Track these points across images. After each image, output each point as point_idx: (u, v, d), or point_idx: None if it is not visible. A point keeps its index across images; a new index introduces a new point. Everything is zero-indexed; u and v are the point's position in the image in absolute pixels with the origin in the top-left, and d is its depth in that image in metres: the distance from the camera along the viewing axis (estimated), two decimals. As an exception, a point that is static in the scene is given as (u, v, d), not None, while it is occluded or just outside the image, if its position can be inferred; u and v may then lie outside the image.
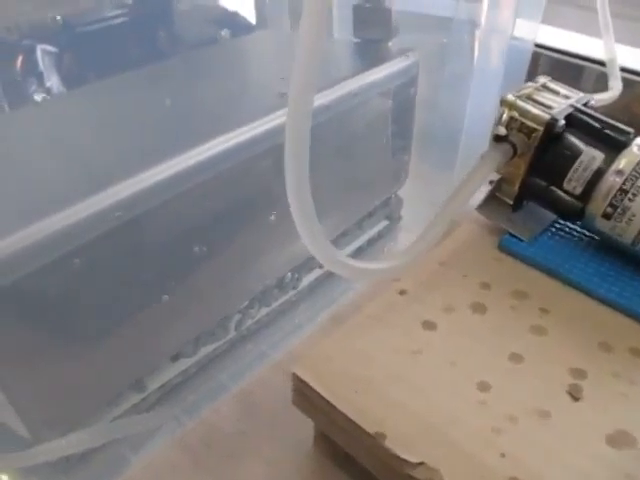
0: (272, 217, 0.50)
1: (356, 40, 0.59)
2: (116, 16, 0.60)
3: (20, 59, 0.54)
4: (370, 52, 0.55)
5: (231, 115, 0.48)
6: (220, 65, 0.59)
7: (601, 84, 0.63)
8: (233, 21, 0.69)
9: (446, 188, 0.75)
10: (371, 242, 0.66)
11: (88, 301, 0.41)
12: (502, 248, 0.48)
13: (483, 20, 0.61)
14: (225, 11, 0.70)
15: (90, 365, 0.43)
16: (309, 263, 0.59)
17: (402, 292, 0.43)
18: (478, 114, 0.66)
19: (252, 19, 0.72)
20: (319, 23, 0.26)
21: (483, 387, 0.36)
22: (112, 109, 0.50)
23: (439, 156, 0.70)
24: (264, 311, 0.56)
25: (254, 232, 0.51)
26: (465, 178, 0.43)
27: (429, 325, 0.40)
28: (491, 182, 0.50)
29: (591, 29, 0.80)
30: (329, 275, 0.62)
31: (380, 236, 0.67)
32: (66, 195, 0.39)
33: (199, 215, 0.44)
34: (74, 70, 0.57)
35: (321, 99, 0.49)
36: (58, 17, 0.56)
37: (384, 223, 0.67)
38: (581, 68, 0.81)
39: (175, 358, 0.50)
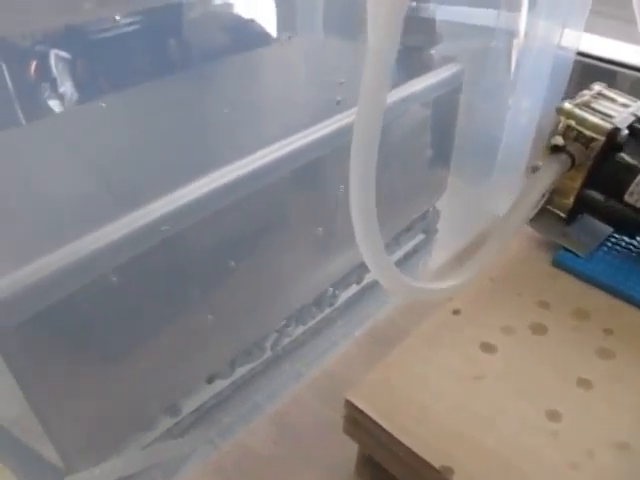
0: (319, 230, 0.48)
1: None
2: (138, 22, 0.58)
3: (34, 65, 0.53)
4: (413, 60, 0.53)
5: (274, 125, 0.46)
6: (260, 73, 0.57)
7: (636, 90, 0.61)
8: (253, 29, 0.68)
9: (482, 200, 0.74)
10: (407, 256, 0.63)
11: (123, 323, 0.39)
12: (556, 264, 0.45)
13: (523, 29, 0.59)
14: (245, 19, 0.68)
15: (125, 390, 0.41)
16: (347, 279, 0.56)
17: (456, 312, 0.41)
18: (517, 125, 0.64)
19: (275, 26, 0.70)
20: (394, 24, 0.24)
21: (553, 416, 0.34)
22: (146, 119, 0.48)
23: (475, 167, 0.68)
24: (301, 329, 0.54)
25: (296, 248, 0.48)
26: (523, 191, 0.41)
27: (488, 348, 0.38)
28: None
29: (620, 36, 0.78)
30: (365, 291, 0.60)
31: (415, 250, 0.64)
32: (104, 211, 0.37)
33: (239, 231, 0.42)
34: (88, 77, 0.56)
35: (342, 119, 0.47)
36: (72, 23, 0.54)
37: (420, 237, 0.64)
38: (614, 74, 0.79)
39: (210, 380, 0.48)
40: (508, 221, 0.40)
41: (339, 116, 0.45)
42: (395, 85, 0.49)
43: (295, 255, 0.48)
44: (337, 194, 0.46)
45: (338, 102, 0.46)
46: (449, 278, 0.36)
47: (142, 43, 0.59)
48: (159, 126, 0.47)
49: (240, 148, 0.43)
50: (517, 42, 0.60)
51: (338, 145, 0.44)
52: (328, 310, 0.56)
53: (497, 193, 0.70)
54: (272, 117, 0.50)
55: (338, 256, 0.52)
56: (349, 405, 0.35)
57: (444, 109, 0.54)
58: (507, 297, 0.42)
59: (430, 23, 0.53)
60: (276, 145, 0.43)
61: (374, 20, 0.24)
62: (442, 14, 0.55)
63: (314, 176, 0.45)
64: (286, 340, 0.53)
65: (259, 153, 0.41)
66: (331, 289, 0.55)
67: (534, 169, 0.44)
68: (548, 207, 0.47)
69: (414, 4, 0.53)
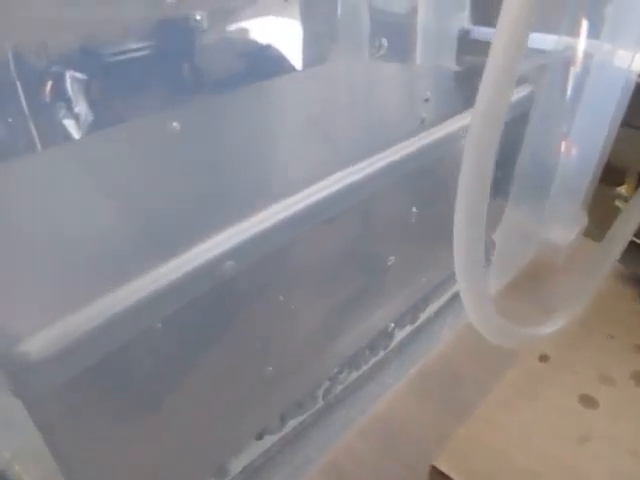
0: (390, 261, 0.43)
1: (457, 68, 0.53)
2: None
3: (49, 85, 0.50)
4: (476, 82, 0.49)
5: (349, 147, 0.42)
6: (337, 90, 0.54)
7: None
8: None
9: (537, 230, 0.69)
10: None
11: (168, 376, 0.34)
12: (648, 301, 0.41)
13: (586, 52, 0.55)
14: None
15: (169, 452, 0.36)
16: (403, 319, 0.52)
17: (543, 358, 0.36)
18: (577, 152, 0.60)
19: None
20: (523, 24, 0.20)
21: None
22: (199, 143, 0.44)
23: (530, 195, 0.63)
24: (354, 375, 0.49)
25: (357, 285, 0.44)
26: (619, 223, 0.36)
27: (589, 401, 0.33)
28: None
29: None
30: (419, 330, 0.55)
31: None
32: (140, 253, 0.33)
33: (300, 268, 0.38)
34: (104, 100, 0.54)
35: (426, 137, 0.43)
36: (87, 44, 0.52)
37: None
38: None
39: (260, 436, 0.43)
40: (606, 259, 0.35)
41: (424, 134, 0.42)
42: (458, 110, 0.45)
43: (356, 294, 0.44)
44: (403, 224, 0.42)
45: (422, 120, 0.43)
46: (552, 321, 0.32)
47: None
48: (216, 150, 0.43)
49: (309, 172, 0.39)
50: (579, 66, 0.56)
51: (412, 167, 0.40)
52: (382, 353, 0.51)
53: (553, 222, 0.66)
54: (348, 138, 0.46)
55: (396, 293, 0.48)
56: (436, 473, 0.30)
57: (510, 133, 0.50)
58: (599, 341, 0.38)
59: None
60: (343, 172, 0.39)
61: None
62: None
63: (383, 203, 0.41)
64: (339, 388, 0.48)
65: (327, 180, 0.37)
66: (387, 329, 0.50)
67: (621, 197, 0.39)
68: (635, 240, 0.42)
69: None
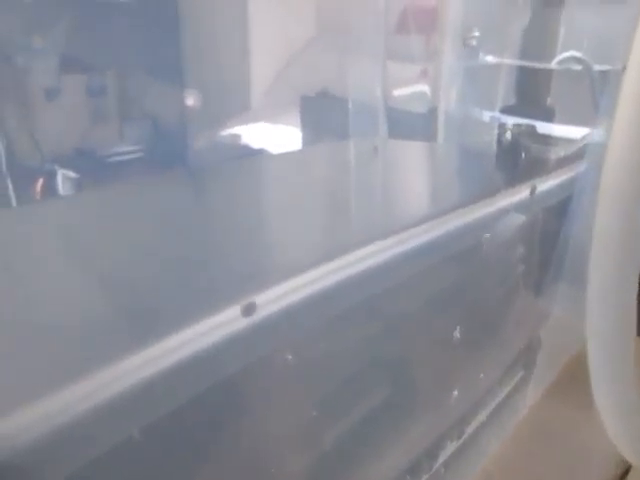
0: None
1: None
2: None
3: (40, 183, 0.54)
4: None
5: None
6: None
7: None
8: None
9: (579, 325, 0.63)
10: (507, 399, 0.52)
11: None
12: None
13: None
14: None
15: None
16: (447, 435, 0.45)
17: None
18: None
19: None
20: None
21: None
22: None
23: (572, 286, 0.58)
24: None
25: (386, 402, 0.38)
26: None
27: None
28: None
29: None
30: (464, 447, 0.48)
31: (516, 390, 0.53)
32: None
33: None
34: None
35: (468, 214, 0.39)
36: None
37: (520, 374, 0.54)
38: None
39: None
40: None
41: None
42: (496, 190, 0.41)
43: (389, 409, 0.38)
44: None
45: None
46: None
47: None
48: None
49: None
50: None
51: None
52: (425, 477, 0.44)
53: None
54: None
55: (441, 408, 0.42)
56: None
57: (555, 219, 0.46)
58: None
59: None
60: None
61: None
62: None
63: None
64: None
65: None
66: (429, 452, 0.43)
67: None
68: None
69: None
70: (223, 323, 0.28)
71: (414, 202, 0.47)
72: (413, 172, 0.56)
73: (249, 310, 0.28)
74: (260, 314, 0.29)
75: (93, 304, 0.29)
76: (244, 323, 0.28)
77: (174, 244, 0.36)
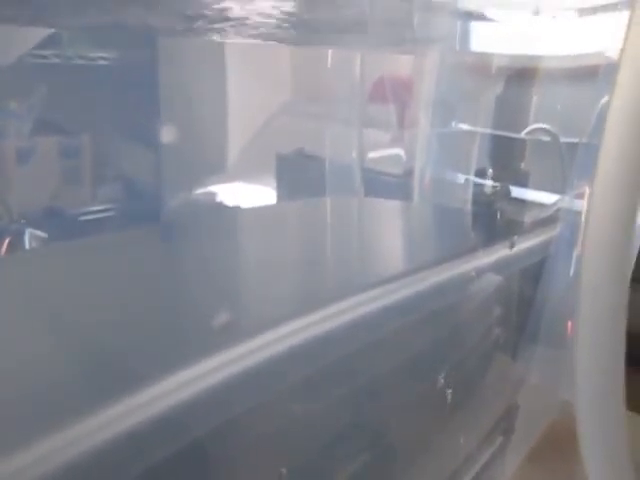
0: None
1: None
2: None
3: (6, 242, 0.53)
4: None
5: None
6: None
7: None
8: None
9: (556, 388, 0.63)
10: (487, 465, 0.50)
11: None
12: None
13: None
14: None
15: None
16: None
17: None
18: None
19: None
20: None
21: None
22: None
23: (544, 349, 0.58)
24: None
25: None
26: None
27: None
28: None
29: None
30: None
31: (495, 456, 0.52)
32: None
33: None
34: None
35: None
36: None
37: (499, 440, 0.52)
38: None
39: None
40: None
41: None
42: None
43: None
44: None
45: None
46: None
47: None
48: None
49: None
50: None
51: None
52: None
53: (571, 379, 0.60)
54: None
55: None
56: None
57: (533, 281, 0.46)
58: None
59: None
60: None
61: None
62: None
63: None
64: None
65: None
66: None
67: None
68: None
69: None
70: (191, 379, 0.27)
71: (385, 261, 0.47)
72: (386, 231, 0.56)
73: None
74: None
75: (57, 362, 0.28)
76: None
77: (143, 299, 0.36)
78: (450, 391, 0.44)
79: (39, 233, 0.54)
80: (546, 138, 0.69)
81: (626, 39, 0.25)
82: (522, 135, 0.72)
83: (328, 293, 0.37)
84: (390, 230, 0.56)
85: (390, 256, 0.48)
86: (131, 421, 0.24)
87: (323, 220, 0.55)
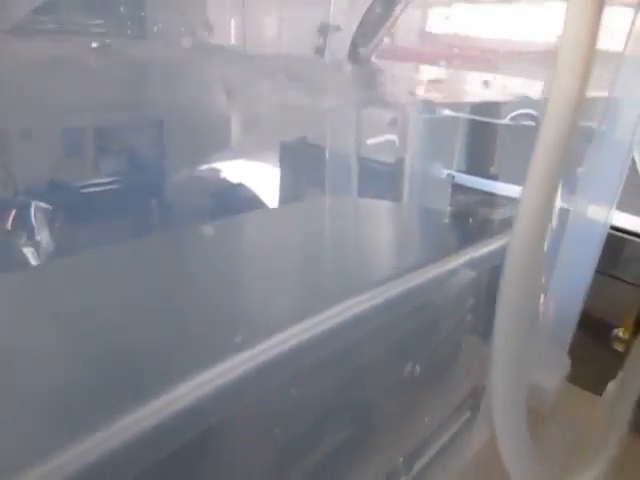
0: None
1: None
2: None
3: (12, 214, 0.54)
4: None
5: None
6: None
7: None
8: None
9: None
10: (453, 439, 0.56)
11: None
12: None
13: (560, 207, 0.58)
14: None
15: None
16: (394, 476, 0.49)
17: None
18: (558, 303, 0.61)
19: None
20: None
21: None
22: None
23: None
24: None
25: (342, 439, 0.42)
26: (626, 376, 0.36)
27: None
28: None
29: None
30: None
31: (461, 431, 0.58)
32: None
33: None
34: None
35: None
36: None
37: (467, 415, 0.58)
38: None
39: None
40: (619, 413, 0.35)
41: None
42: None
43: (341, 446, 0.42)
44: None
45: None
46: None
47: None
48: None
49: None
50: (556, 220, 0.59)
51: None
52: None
53: (539, 367, 0.66)
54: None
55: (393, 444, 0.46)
56: None
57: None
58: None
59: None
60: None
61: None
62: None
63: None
64: None
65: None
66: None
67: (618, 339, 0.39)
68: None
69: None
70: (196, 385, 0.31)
71: (376, 262, 0.51)
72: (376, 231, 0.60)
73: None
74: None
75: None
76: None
77: (147, 305, 0.39)
78: (423, 371, 0.49)
79: (43, 205, 0.56)
80: (531, 123, 0.72)
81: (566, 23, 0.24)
82: (507, 120, 0.76)
83: (324, 295, 0.41)
84: (379, 231, 0.59)
85: (381, 257, 0.52)
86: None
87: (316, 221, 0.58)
